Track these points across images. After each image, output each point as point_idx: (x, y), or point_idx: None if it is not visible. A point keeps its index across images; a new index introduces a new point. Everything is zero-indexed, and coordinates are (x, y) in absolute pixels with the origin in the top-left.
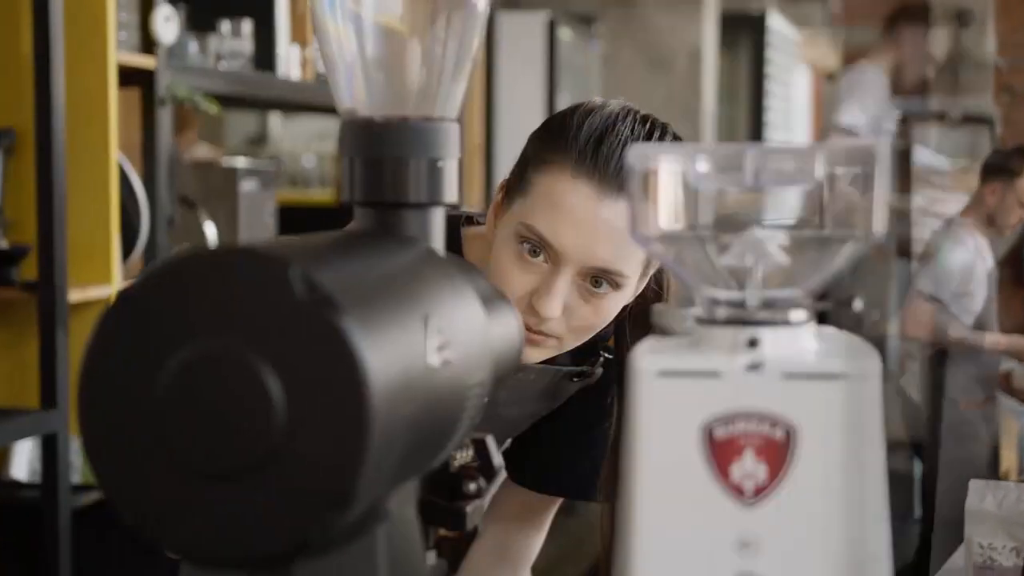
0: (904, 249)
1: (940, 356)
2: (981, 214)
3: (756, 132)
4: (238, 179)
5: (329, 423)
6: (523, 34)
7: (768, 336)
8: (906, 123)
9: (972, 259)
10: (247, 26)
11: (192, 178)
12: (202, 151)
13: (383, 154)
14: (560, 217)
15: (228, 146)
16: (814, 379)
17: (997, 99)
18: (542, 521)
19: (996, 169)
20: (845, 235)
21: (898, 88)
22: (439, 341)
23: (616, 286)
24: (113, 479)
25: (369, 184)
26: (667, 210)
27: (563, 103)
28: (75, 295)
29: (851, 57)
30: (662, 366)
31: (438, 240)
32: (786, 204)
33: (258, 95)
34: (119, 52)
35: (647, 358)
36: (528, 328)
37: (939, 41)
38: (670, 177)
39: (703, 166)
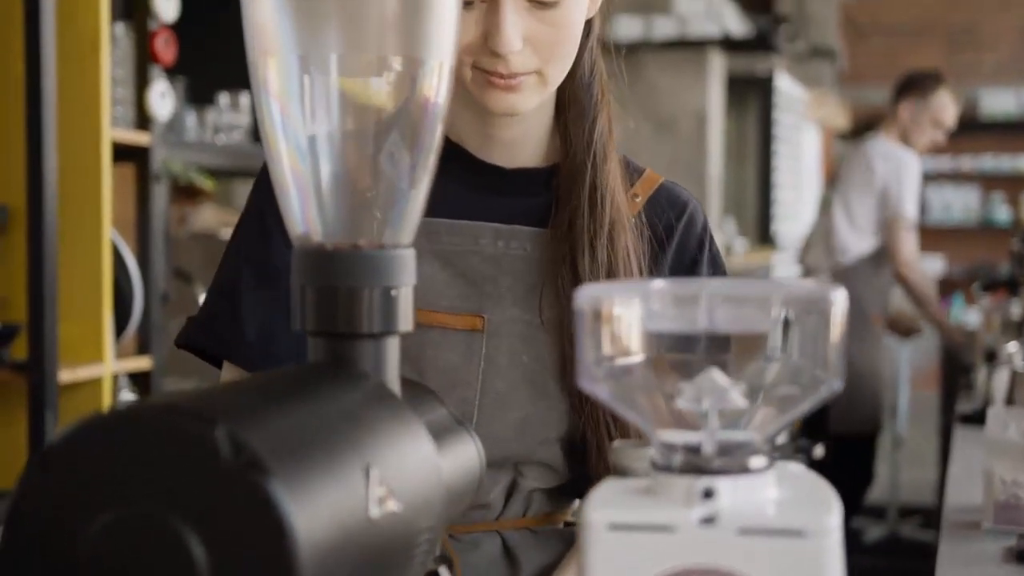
0: None
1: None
2: (897, 132)
3: (764, 192)
4: None
5: None
6: None
7: (725, 486)
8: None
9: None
10: (245, 99)
11: (192, 249)
12: (208, 214)
13: (335, 282)
14: None
15: (238, 207)
16: (772, 535)
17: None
18: None
19: (909, 87)
20: (804, 384)
21: None
22: (382, 491)
23: None
24: None
25: (321, 313)
26: (619, 351)
27: None
28: (66, 375)
29: (859, 116)
30: (613, 519)
31: (392, 371)
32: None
33: (256, 168)
34: (114, 128)
35: (599, 510)
36: (500, 75)
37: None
38: (622, 317)
39: (656, 305)
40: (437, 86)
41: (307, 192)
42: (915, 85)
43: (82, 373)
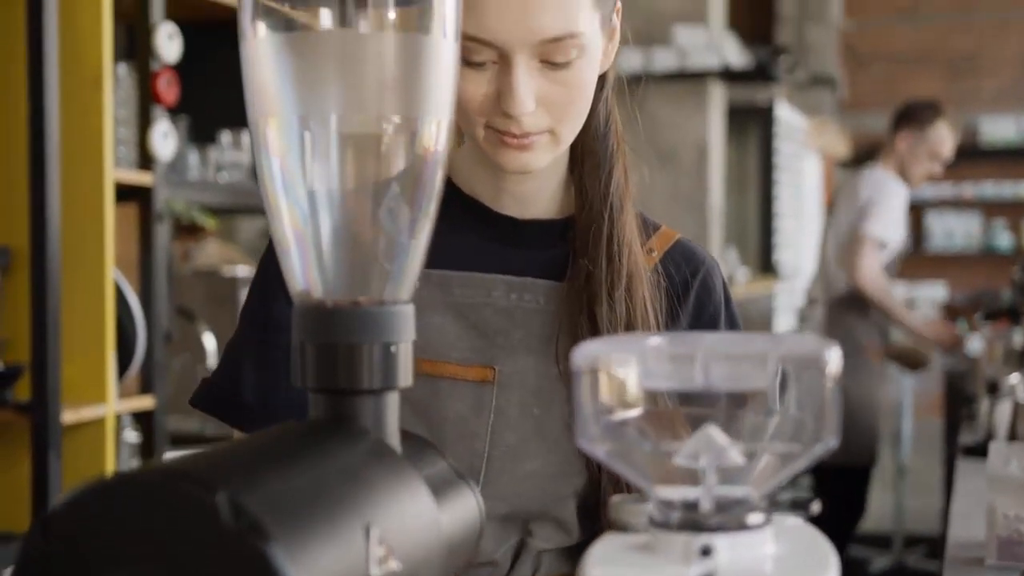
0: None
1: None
2: (894, 163)
3: (766, 221)
4: (238, 288)
5: None
6: None
7: (723, 543)
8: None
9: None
10: (247, 137)
11: (195, 287)
12: (211, 248)
13: (335, 339)
14: (481, 6)
15: (241, 242)
16: None
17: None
18: None
19: (907, 119)
20: (802, 440)
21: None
22: (383, 551)
23: (578, 51)
24: None
25: (321, 370)
26: (616, 408)
27: None
28: (69, 416)
29: (860, 144)
30: None
31: (392, 426)
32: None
33: (257, 206)
34: (117, 169)
35: (598, 567)
36: (513, 135)
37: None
38: (618, 375)
39: (653, 364)
40: (436, 137)
41: (307, 249)
42: (913, 116)
43: (85, 413)
